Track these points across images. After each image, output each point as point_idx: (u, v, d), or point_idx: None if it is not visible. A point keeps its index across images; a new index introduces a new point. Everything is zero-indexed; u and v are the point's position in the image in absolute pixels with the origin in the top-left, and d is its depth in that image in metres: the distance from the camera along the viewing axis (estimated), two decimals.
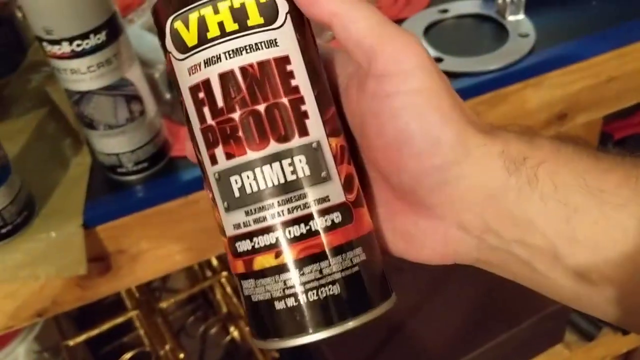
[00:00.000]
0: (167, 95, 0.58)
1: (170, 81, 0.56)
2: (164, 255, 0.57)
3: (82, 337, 0.73)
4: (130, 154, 0.51)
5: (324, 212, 0.27)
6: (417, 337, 0.81)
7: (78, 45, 0.44)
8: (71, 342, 0.73)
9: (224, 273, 0.78)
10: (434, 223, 0.27)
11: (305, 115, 0.28)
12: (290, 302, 0.27)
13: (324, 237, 0.27)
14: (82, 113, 0.49)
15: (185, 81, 0.29)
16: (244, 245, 0.28)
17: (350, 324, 0.27)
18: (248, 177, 0.28)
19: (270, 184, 0.27)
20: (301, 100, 0.28)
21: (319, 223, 0.27)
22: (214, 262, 0.84)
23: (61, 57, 0.45)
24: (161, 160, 0.54)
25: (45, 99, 0.62)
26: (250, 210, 0.28)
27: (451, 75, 0.57)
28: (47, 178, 0.55)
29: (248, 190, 0.28)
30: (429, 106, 0.25)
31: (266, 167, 0.27)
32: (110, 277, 0.55)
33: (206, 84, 0.28)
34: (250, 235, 0.28)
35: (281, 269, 0.27)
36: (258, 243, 0.28)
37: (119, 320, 0.75)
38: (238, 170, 0.28)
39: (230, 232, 0.29)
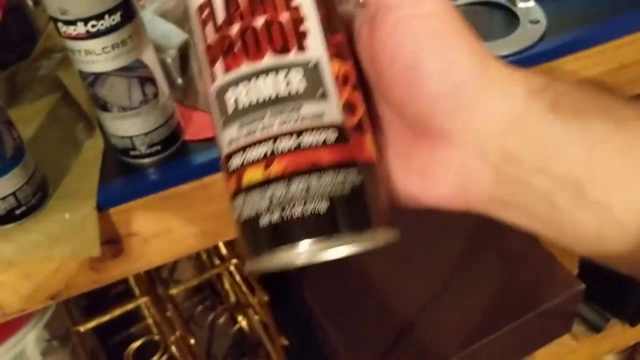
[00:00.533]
0: (179, 80, 0.58)
1: (182, 66, 0.56)
2: (177, 239, 0.57)
3: (92, 322, 0.73)
4: (143, 137, 0.51)
5: (316, 129, 0.27)
6: (427, 325, 0.81)
7: (93, 26, 0.44)
8: (82, 328, 0.73)
9: (233, 261, 0.79)
10: (450, 152, 0.26)
11: (304, 33, 0.28)
12: (275, 217, 0.27)
13: (314, 153, 0.27)
14: (96, 95, 0.49)
15: (193, 4, 0.30)
16: (235, 161, 0.28)
17: (337, 248, 0.26)
18: (243, 90, 0.28)
19: (263, 97, 0.28)
20: (301, 18, 0.28)
21: (310, 139, 0.27)
22: (223, 250, 0.84)
23: (76, 37, 0.45)
24: (174, 144, 0.54)
25: (57, 85, 0.62)
26: (244, 122, 0.28)
27: None
28: (61, 161, 0.55)
29: (242, 104, 0.28)
30: (444, 27, 0.25)
31: (260, 80, 0.28)
32: (123, 260, 0.56)
33: (209, 2, 0.29)
34: (241, 149, 0.28)
35: (268, 182, 0.27)
36: (248, 156, 0.28)
37: (129, 307, 0.75)
38: (233, 83, 0.28)
39: (225, 150, 0.29)
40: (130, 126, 0.51)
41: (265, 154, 0.27)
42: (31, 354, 0.81)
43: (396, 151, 0.29)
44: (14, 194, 0.48)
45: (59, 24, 0.45)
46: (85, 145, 0.57)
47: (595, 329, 1.05)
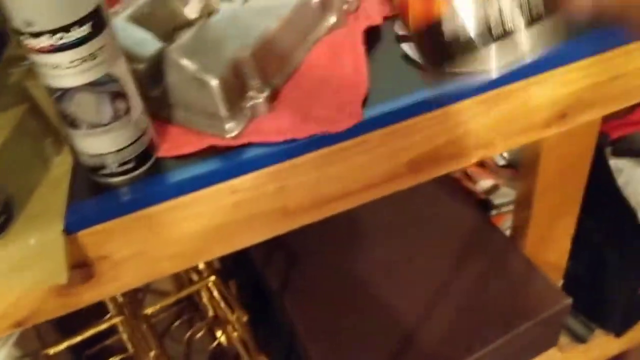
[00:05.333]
0: (153, 91, 0.54)
1: (156, 76, 0.53)
2: (151, 261, 0.54)
3: (62, 345, 0.70)
4: (114, 154, 0.48)
5: None
6: (410, 343, 0.79)
7: (60, 39, 0.41)
8: (51, 351, 0.70)
9: (212, 278, 0.76)
10: None
11: None
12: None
13: None
14: (64, 111, 0.45)
15: None
16: None
17: None
18: None
19: None
20: None
21: None
22: (201, 265, 0.81)
23: (41, 51, 0.41)
24: (148, 161, 0.51)
25: (25, 95, 0.58)
26: None
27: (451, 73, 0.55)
28: (27, 179, 0.51)
29: None
30: None
31: None
32: (94, 284, 0.52)
33: None
34: None
35: None
36: None
37: (102, 327, 0.72)
38: None
39: None
40: (100, 144, 0.47)
41: None
42: None
43: None
44: None
45: (23, 37, 0.41)
46: (53, 162, 0.53)
47: (581, 339, 1.04)
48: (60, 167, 0.52)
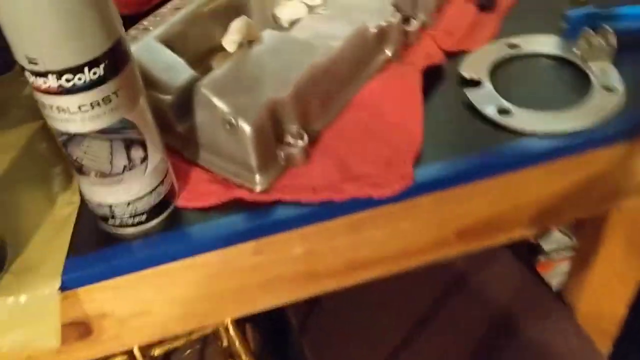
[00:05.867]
0: (179, 126, 0.48)
1: (184, 109, 0.46)
2: (157, 321, 0.48)
3: None
4: (125, 206, 0.42)
5: None
6: None
7: (68, 81, 0.34)
8: None
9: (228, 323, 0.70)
10: None
11: None
12: None
13: None
14: (71, 156, 0.39)
15: None
16: None
17: None
18: None
19: None
20: None
21: None
22: None
23: (47, 91, 0.35)
24: (164, 211, 0.44)
25: (38, 112, 0.52)
26: None
27: (519, 134, 0.47)
28: (27, 217, 0.46)
29: None
30: None
31: None
32: (92, 342, 0.47)
33: None
34: None
35: None
36: None
37: None
38: None
39: None
40: (110, 194, 0.41)
41: None
42: None
43: None
44: None
45: (27, 73, 0.35)
46: (59, 198, 0.47)
47: None
48: (66, 208, 0.46)
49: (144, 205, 0.42)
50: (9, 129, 0.53)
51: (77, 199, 0.46)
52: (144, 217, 0.43)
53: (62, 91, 0.35)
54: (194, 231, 0.44)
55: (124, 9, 0.59)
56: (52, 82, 0.34)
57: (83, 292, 0.43)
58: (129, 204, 0.41)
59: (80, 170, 0.40)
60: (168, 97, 0.47)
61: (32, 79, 0.35)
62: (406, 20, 0.54)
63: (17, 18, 0.32)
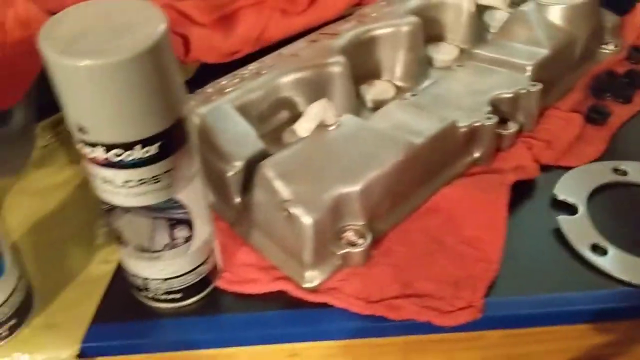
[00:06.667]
0: (237, 199, 0.45)
1: (246, 183, 0.43)
2: None
3: None
4: (161, 282, 0.39)
5: None
6: None
7: (117, 155, 0.31)
8: None
9: None
10: None
11: None
12: None
13: None
14: (111, 225, 0.36)
15: None
16: None
17: None
18: None
19: None
20: None
21: None
22: None
23: (93, 161, 0.32)
24: (202, 291, 0.41)
25: None
26: None
27: (613, 280, 0.41)
28: (62, 269, 0.43)
29: None
30: None
31: None
32: None
33: None
34: None
35: None
36: None
37: None
38: None
39: None
40: (146, 267, 0.38)
41: None
42: None
43: None
44: None
45: (76, 139, 0.32)
46: (97, 254, 0.45)
47: None
48: (102, 266, 0.44)
49: (181, 283, 0.39)
50: (65, 166, 0.51)
51: (115, 258, 0.44)
52: (179, 295, 0.40)
53: (109, 164, 0.32)
54: (229, 320, 0.40)
55: (207, 57, 0.57)
56: (99, 153, 0.32)
57: None
58: (165, 280, 0.38)
59: (119, 240, 0.37)
60: (231, 170, 0.43)
61: (79, 145, 0.32)
62: (502, 121, 0.49)
63: (73, 87, 0.30)
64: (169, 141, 0.32)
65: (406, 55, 0.55)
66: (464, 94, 0.50)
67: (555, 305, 0.40)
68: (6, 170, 0.37)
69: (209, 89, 0.48)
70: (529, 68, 0.52)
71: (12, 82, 0.45)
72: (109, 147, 0.31)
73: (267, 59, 0.52)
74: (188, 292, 0.40)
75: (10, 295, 0.38)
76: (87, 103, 0.30)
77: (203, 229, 0.38)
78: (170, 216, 0.35)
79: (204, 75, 0.53)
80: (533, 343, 0.42)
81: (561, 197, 0.46)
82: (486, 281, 0.41)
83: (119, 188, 0.33)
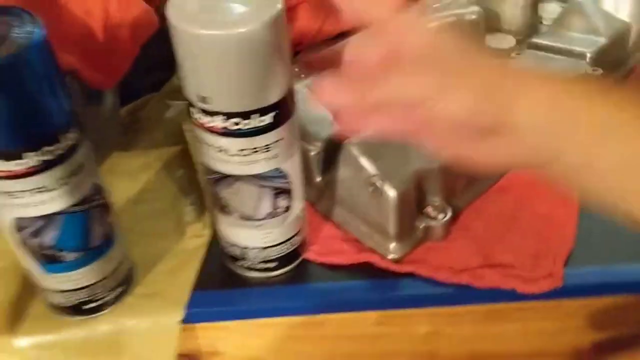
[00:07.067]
0: (318, 178, 0.47)
1: (326, 162, 0.45)
2: None
3: None
4: (259, 251, 0.41)
5: None
6: None
7: (235, 124, 0.34)
8: None
9: None
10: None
11: None
12: None
13: None
14: (217, 194, 0.39)
15: None
16: None
17: None
18: None
19: None
20: None
21: None
22: None
23: (210, 130, 0.35)
24: (293, 262, 0.43)
25: (179, 137, 0.52)
26: None
27: None
28: (156, 243, 0.45)
29: None
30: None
31: None
32: None
33: None
34: None
35: None
36: None
37: None
38: None
39: None
40: (247, 237, 0.40)
41: None
42: None
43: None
44: (89, 287, 0.39)
45: (193, 109, 0.35)
46: (189, 229, 0.47)
47: None
48: (195, 240, 0.46)
49: (277, 252, 0.41)
50: (149, 149, 0.53)
51: (207, 233, 0.46)
52: (274, 264, 0.42)
53: (226, 133, 0.34)
54: (318, 289, 0.43)
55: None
56: (218, 122, 0.34)
57: (200, 328, 0.43)
58: (263, 248, 0.41)
59: (223, 209, 0.39)
60: (314, 149, 0.46)
61: (197, 115, 0.35)
62: None
63: (197, 59, 0.32)
64: (281, 111, 0.35)
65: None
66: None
67: (630, 273, 0.42)
68: (97, 149, 0.39)
69: None
70: (589, 55, 0.54)
71: (115, 61, 0.47)
72: (228, 116, 0.34)
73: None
74: (282, 261, 0.42)
75: (120, 264, 0.40)
76: (210, 73, 0.32)
77: (299, 200, 0.40)
78: (275, 185, 0.38)
79: None
80: (607, 312, 0.44)
81: None
82: (564, 252, 0.43)
83: (233, 156, 0.35)
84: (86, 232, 0.37)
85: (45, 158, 0.32)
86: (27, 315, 0.40)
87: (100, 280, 0.39)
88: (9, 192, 0.33)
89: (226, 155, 0.36)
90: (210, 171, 0.38)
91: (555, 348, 0.46)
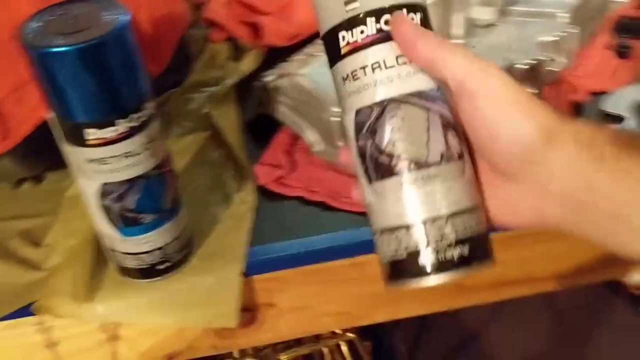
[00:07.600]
0: (339, 143, 0.48)
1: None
2: (314, 315, 0.46)
3: None
4: (442, 222, 0.30)
5: None
6: None
7: (386, 23, 0.29)
8: None
9: (351, 335, 0.70)
10: (524, 192, 0.31)
11: None
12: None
13: None
14: (382, 142, 0.30)
15: None
16: None
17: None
18: None
19: None
20: None
21: None
22: None
23: (362, 46, 0.29)
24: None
25: (206, 122, 0.53)
26: None
27: None
28: (207, 212, 0.46)
29: None
30: (511, 108, 0.30)
31: None
32: (253, 331, 0.45)
33: None
34: None
35: None
36: None
37: None
38: None
39: None
40: (424, 201, 0.30)
41: None
42: None
43: (487, 188, 0.33)
44: (162, 248, 0.40)
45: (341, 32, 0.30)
46: (235, 198, 0.47)
47: None
48: (242, 205, 0.46)
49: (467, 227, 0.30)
50: (181, 136, 0.53)
51: (251, 199, 0.46)
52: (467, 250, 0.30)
53: (381, 38, 0.29)
54: (354, 233, 0.43)
55: (276, 41, 0.59)
56: (370, 28, 0.29)
57: (256, 280, 0.42)
58: (448, 217, 0.30)
59: (389, 167, 0.30)
60: (332, 115, 0.45)
61: (343, 33, 0.30)
62: (550, 61, 0.54)
63: None
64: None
65: (457, 15, 0.57)
66: (514, 41, 0.54)
67: None
68: None
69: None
70: (565, 15, 0.57)
71: (161, 51, 0.50)
72: (378, 15, 0.29)
73: None
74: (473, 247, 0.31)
75: (185, 227, 0.41)
76: None
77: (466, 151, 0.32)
78: (441, 110, 0.31)
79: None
80: None
81: (609, 110, 0.52)
82: None
83: (391, 70, 0.30)
84: (161, 195, 0.39)
85: (132, 124, 0.36)
86: (102, 284, 0.41)
87: (172, 242, 0.40)
88: (101, 159, 0.36)
89: (384, 69, 0.30)
90: (367, 112, 0.30)
91: (572, 267, 0.49)
